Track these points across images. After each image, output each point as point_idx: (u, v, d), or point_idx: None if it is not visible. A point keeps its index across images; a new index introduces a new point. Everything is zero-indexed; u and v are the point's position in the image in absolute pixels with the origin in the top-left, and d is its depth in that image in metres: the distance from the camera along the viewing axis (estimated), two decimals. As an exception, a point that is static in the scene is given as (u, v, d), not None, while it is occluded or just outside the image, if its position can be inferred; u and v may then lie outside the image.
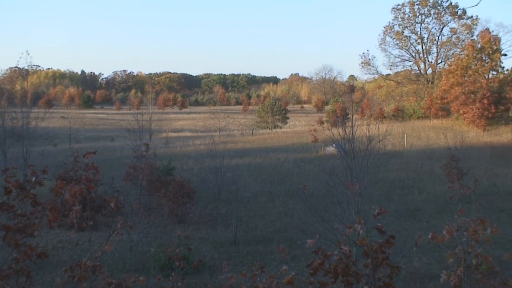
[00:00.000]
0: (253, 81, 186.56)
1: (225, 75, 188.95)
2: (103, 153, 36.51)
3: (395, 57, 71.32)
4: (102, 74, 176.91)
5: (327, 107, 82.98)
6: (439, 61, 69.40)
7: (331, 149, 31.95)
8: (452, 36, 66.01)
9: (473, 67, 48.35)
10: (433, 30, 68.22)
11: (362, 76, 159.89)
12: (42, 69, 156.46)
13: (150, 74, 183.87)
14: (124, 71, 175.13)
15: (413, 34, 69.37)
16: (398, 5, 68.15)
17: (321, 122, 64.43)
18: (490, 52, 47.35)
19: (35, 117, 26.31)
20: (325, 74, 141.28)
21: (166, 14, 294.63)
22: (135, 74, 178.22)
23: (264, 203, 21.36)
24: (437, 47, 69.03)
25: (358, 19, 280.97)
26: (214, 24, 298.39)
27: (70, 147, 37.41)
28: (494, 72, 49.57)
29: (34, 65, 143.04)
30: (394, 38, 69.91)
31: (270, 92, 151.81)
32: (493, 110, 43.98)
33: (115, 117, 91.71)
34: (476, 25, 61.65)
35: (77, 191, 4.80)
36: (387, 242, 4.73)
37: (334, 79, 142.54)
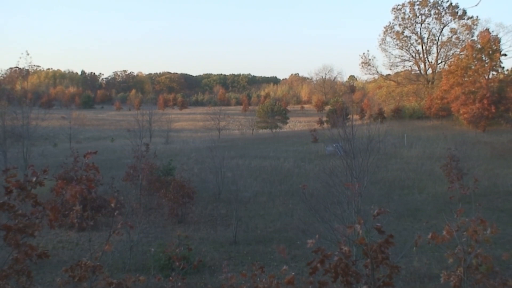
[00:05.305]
0: (253, 81, 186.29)
1: (225, 75, 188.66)
2: (103, 153, 36.53)
3: (395, 57, 71.41)
4: (102, 74, 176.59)
5: (327, 107, 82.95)
6: (439, 61, 69.40)
7: (331, 149, 31.98)
8: (452, 36, 66.01)
9: (473, 67, 48.34)
10: (433, 30, 68.28)
11: (362, 76, 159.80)
12: (42, 69, 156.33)
13: (150, 74, 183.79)
14: (124, 71, 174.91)
15: (413, 34, 69.42)
16: (398, 5, 68.24)
17: (321, 122, 64.38)
18: (490, 52, 47.33)
19: (35, 117, 26.29)
20: (325, 74, 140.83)
21: (166, 14, 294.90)
22: (135, 74, 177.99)
23: (264, 203, 21.37)
24: (437, 47, 69.06)
25: (358, 19, 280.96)
26: (214, 24, 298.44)
27: (70, 147, 37.37)
28: (494, 72, 49.58)
29: (34, 65, 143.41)
30: (394, 38, 69.96)
31: (270, 92, 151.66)
32: (493, 110, 43.96)
33: (115, 117, 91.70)
34: (476, 25, 61.67)
35: (78, 191, 4.80)
36: (387, 242, 4.74)
37: (334, 79, 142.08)
